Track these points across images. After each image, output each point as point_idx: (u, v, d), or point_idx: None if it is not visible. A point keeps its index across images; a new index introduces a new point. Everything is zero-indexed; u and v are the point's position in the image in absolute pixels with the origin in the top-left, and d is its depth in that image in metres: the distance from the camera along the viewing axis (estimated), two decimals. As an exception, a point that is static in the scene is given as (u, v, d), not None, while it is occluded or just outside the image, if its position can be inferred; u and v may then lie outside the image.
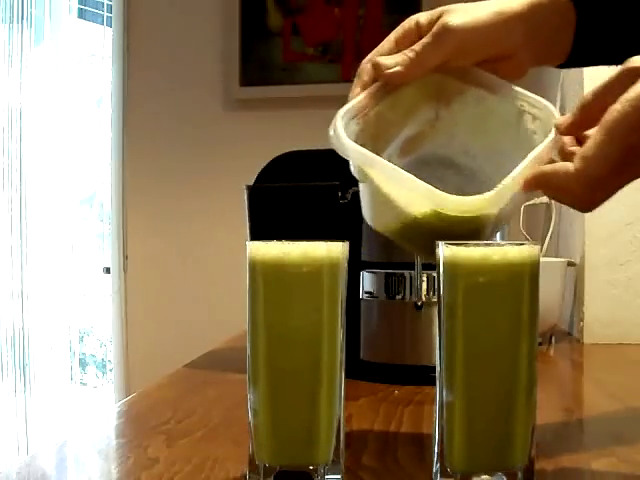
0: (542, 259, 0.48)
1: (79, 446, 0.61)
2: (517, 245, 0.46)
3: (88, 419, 1.26)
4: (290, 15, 2.21)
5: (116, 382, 2.36)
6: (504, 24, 0.55)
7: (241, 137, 2.24)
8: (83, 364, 2.73)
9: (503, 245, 0.46)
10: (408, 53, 0.54)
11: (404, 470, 0.52)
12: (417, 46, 0.54)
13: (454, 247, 0.46)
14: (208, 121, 2.26)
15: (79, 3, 2.50)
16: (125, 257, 2.35)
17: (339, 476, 0.47)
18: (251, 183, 0.86)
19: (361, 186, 0.55)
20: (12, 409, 2.38)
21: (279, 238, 0.47)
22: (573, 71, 1.24)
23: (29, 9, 2.40)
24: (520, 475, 0.46)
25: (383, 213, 0.54)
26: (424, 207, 0.49)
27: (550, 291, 1.11)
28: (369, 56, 0.56)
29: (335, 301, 0.46)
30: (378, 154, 0.51)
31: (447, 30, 0.53)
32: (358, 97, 0.54)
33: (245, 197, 0.85)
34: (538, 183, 0.49)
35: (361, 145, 0.51)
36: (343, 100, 0.55)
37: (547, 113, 0.54)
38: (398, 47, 0.56)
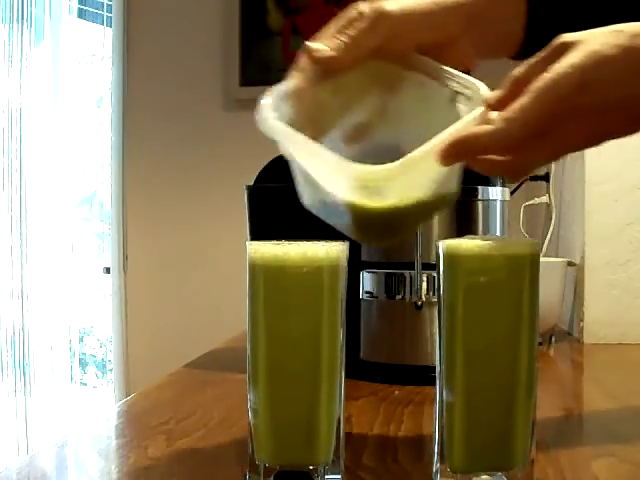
0: (542, 259, 0.48)
1: (79, 446, 0.61)
2: (517, 240, 0.46)
3: (88, 419, 1.26)
4: (290, 15, 2.21)
5: (116, 382, 2.36)
6: (441, 12, 0.55)
7: (241, 137, 2.24)
8: (83, 364, 2.73)
9: (503, 240, 0.46)
10: (341, 37, 0.53)
11: (404, 470, 0.52)
12: (351, 30, 0.54)
13: (453, 243, 0.46)
14: (208, 121, 2.26)
15: (79, 3, 2.50)
16: (125, 257, 2.35)
17: (339, 476, 0.47)
18: (251, 183, 0.86)
19: (293, 165, 0.54)
20: (12, 409, 2.38)
21: (279, 238, 0.47)
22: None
23: (29, 9, 2.40)
24: (520, 475, 0.46)
25: (310, 191, 0.54)
26: (342, 191, 0.48)
27: (550, 291, 1.11)
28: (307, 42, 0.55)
29: (335, 301, 0.46)
30: (317, 139, 0.50)
31: (381, 14, 0.53)
32: (292, 80, 0.53)
33: (245, 197, 0.85)
34: (455, 150, 0.47)
35: (297, 129, 0.50)
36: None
37: (478, 92, 0.52)
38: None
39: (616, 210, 1.16)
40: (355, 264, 0.84)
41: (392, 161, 0.48)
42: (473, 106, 0.51)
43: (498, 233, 0.86)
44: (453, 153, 0.47)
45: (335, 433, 0.47)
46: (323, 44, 0.54)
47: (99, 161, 2.64)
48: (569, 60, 0.46)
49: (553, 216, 1.42)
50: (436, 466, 0.47)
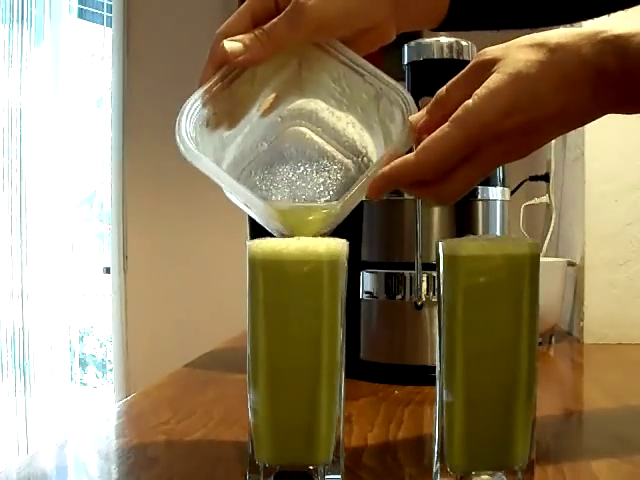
0: (542, 259, 0.48)
1: (79, 446, 0.61)
2: (517, 240, 0.46)
3: (88, 419, 1.26)
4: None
5: (116, 382, 2.36)
6: (368, 3, 0.53)
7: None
8: (83, 364, 2.73)
9: (503, 241, 0.46)
10: (259, 35, 0.51)
11: (404, 470, 0.52)
12: (269, 26, 0.51)
13: (453, 243, 0.46)
14: (208, 121, 2.26)
15: (79, 3, 2.50)
16: (125, 257, 2.35)
17: (339, 476, 0.47)
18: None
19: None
20: (12, 409, 2.38)
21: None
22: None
23: (29, 9, 2.40)
24: (520, 475, 0.46)
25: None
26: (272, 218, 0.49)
27: (550, 291, 1.11)
28: (220, 29, 0.53)
29: (335, 299, 0.46)
30: (234, 125, 0.51)
31: (302, 10, 0.50)
32: (205, 85, 0.52)
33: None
34: (382, 186, 0.48)
35: (215, 126, 0.51)
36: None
37: (402, 100, 0.53)
38: (254, 24, 0.52)
39: (616, 210, 1.16)
40: (355, 264, 0.84)
41: (305, 126, 0.51)
42: (397, 111, 0.52)
43: (498, 233, 0.86)
44: (381, 188, 0.48)
45: (335, 433, 0.47)
46: (239, 43, 0.51)
47: (99, 161, 2.64)
48: (490, 85, 0.46)
49: (553, 216, 1.42)
50: (436, 466, 0.47)
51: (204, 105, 0.52)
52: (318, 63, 0.55)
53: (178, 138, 0.50)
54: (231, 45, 0.51)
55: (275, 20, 0.51)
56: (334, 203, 0.50)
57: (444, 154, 0.46)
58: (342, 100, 0.55)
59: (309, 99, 0.56)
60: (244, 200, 0.49)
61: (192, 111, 0.52)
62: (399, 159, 0.48)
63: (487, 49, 0.48)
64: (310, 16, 0.51)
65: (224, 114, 0.53)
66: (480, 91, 0.46)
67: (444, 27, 0.58)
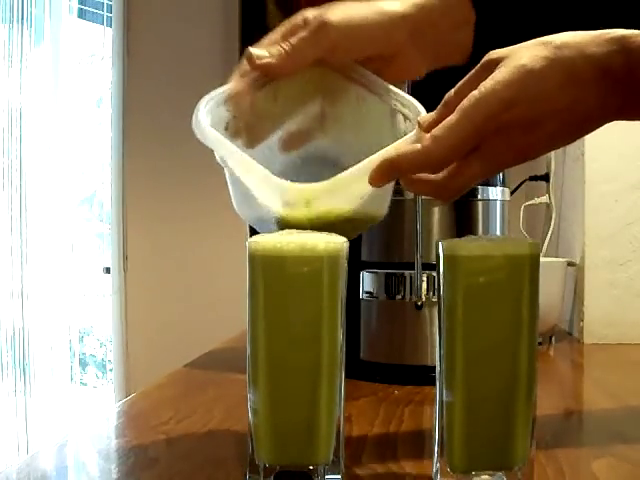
0: (542, 259, 0.48)
1: (79, 446, 0.61)
2: (517, 240, 0.46)
3: (88, 419, 1.26)
4: (290, 15, 2.21)
5: (116, 382, 2.36)
6: (387, 23, 0.55)
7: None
8: (83, 364, 2.73)
9: (503, 241, 0.46)
10: (283, 46, 0.54)
11: (404, 470, 0.52)
12: (293, 39, 0.54)
13: (453, 243, 0.46)
14: (208, 121, 2.26)
15: (79, 3, 2.50)
16: (125, 257, 2.35)
17: (339, 476, 0.47)
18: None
19: (225, 171, 0.54)
20: (12, 409, 2.38)
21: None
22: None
23: (29, 9, 2.40)
24: (520, 475, 0.46)
25: (244, 203, 0.54)
26: (277, 207, 0.48)
27: (550, 291, 1.11)
28: (252, 47, 0.56)
29: (335, 298, 0.46)
30: (253, 145, 0.51)
31: (324, 25, 0.54)
32: (231, 84, 0.54)
33: (245, 197, 0.85)
34: (385, 171, 0.48)
35: (234, 133, 0.50)
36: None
37: (415, 113, 0.53)
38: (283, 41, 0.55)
39: (616, 210, 1.16)
40: (355, 264, 0.84)
41: (326, 173, 0.48)
42: (411, 127, 0.52)
43: (498, 233, 0.86)
44: (383, 174, 0.48)
45: (335, 433, 0.47)
46: (265, 50, 0.54)
47: (99, 161, 2.64)
48: (495, 77, 0.46)
49: (553, 216, 1.42)
50: (436, 466, 0.47)
51: (224, 102, 0.53)
52: (340, 95, 0.56)
53: (195, 118, 0.50)
54: (255, 50, 0.54)
55: (299, 34, 0.54)
56: (323, 182, 0.48)
57: (453, 144, 0.46)
58: (362, 127, 0.56)
59: (331, 144, 0.56)
60: (249, 172, 0.48)
61: (213, 99, 0.53)
62: (407, 147, 0.48)
63: (495, 50, 0.49)
64: (331, 30, 0.53)
65: (243, 124, 0.54)
66: (486, 82, 0.47)
67: (474, 61, 0.59)
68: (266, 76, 0.54)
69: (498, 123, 0.47)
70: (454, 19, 0.57)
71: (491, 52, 0.49)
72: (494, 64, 0.48)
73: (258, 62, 0.54)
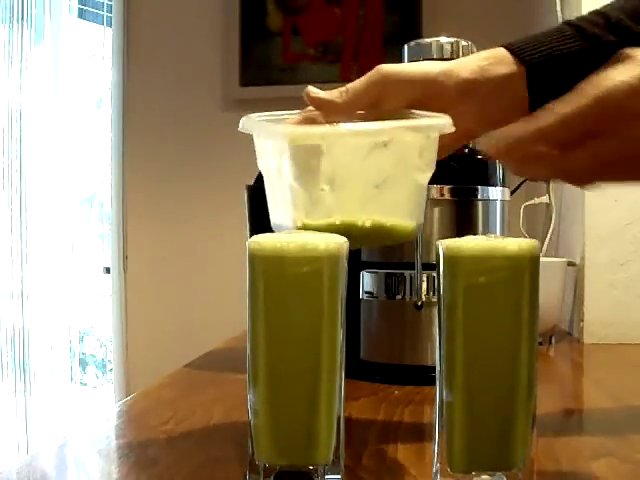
0: (542, 259, 0.48)
1: (79, 446, 0.61)
2: (517, 240, 0.46)
3: (88, 419, 1.26)
4: (290, 15, 2.21)
5: (116, 382, 2.36)
6: (434, 72, 0.58)
7: (241, 137, 2.23)
8: (83, 364, 2.73)
9: (503, 241, 0.46)
10: (341, 89, 0.58)
11: (404, 470, 0.52)
12: (350, 84, 0.58)
13: (453, 243, 0.46)
14: (208, 121, 2.26)
15: (79, 3, 2.50)
16: (125, 257, 2.35)
17: (339, 476, 0.47)
18: (251, 183, 0.86)
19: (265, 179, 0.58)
20: (12, 409, 2.38)
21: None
22: None
23: (29, 9, 2.40)
24: (520, 475, 0.46)
25: (280, 212, 0.55)
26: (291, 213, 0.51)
27: (550, 291, 1.11)
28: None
29: (335, 300, 0.46)
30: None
31: (379, 69, 0.58)
32: (281, 112, 0.58)
33: (245, 197, 0.85)
34: (501, 145, 0.49)
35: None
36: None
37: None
38: None
39: (616, 210, 1.16)
40: (355, 264, 0.84)
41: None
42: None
43: (498, 233, 0.86)
44: (500, 148, 0.49)
45: (335, 433, 0.47)
46: (321, 93, 0.58)
47: (99, 161, 2.64)
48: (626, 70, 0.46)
49: (553, 216, 1.42)
50: (436, 466, 0.47)
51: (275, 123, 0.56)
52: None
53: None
54: (312, 87, 0.58)
55: (356, 80, 0.59)
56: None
57: (578, 120, 0.46)
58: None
59: None
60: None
61: (267, 116, 0.57)
62: (531, 118, 0.48)
63: (627, 48, 0.48)
64: (384, 75, 0.58)
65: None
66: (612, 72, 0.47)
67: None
68: (321, 111, 0.58)
69: (623, 111, 0.46)
70: (499, 72, 0.58)
71: (625, 49, 0.48)
72: (622, 60, 0.47)
73: (313, 95, 0.57)
